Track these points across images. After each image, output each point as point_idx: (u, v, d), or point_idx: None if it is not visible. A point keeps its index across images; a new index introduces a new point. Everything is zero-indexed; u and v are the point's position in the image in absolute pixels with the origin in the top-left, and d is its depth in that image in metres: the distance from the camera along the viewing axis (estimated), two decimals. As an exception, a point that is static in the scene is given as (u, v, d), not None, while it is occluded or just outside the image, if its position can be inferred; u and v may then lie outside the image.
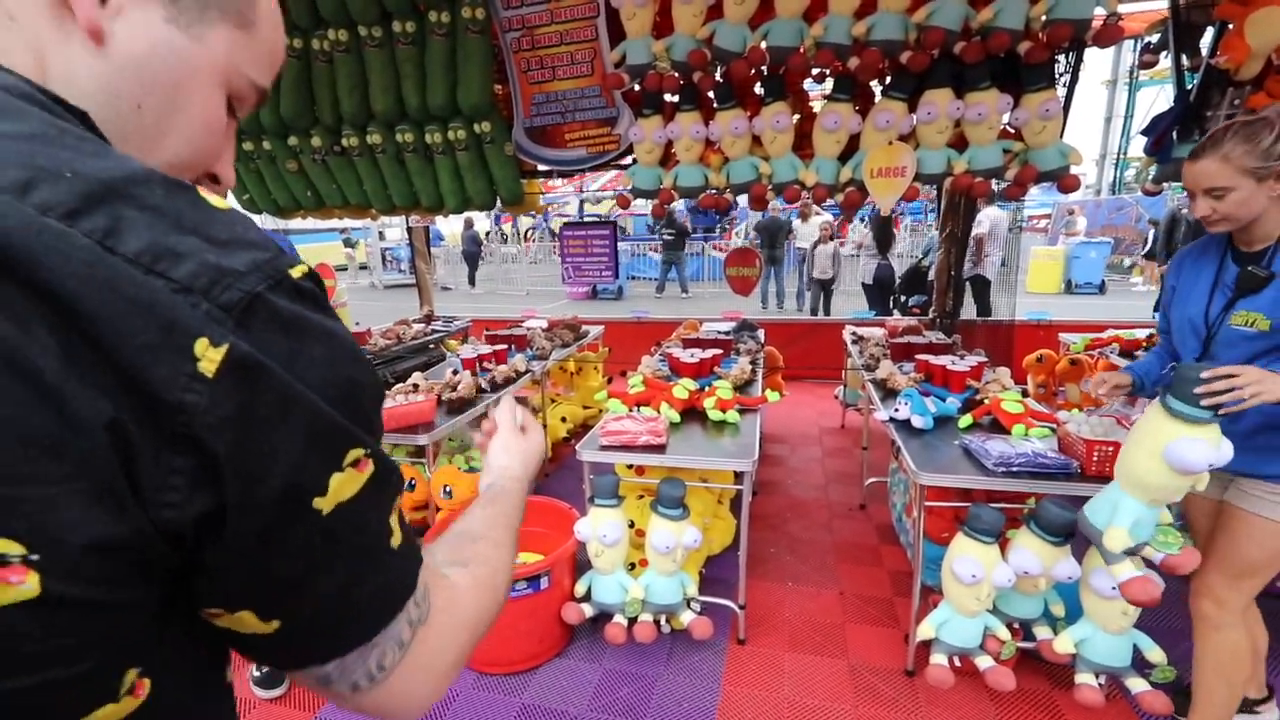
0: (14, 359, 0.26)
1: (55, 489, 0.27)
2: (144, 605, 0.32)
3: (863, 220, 10.49)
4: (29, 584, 0.26)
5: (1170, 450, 1.45)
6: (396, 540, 0.41)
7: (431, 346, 4.15)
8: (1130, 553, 1.59)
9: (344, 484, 0.35)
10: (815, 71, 2.85)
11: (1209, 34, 2.50)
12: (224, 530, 0.32)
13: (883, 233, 7.04)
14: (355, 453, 0.36)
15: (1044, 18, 2.32)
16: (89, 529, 0.28)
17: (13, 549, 0.26)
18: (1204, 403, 1.41)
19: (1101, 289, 10.93)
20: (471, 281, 13.59)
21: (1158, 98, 14.69)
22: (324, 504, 0.34)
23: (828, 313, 8.14)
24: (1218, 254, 1.64)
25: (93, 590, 0.29)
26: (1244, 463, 1.51)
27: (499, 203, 3.47)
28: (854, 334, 3.89)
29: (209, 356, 0.30)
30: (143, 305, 0.29)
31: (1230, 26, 2.31)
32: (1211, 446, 1.42)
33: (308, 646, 0.39)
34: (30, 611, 0.26)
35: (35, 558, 0.26)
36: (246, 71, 0.44)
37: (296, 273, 0.35)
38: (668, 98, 2.88)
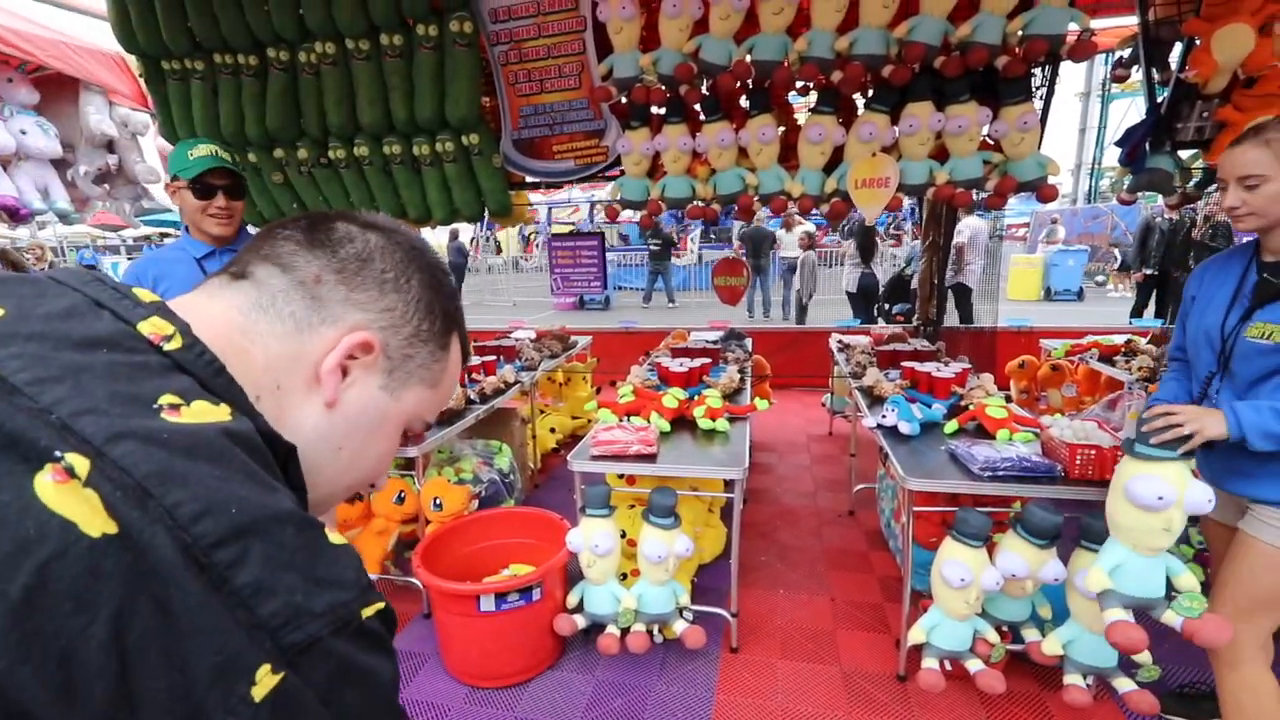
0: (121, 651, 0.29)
1: None
2: None
3: (839, 231, 10.61)
4: None
5: (1127, 487, 1.52)
6: None
7: (419, 358, 4.12)
8: (1138, 608, 1.60)
9: None
10: (799, 85, 2.90)
11: (1178, 49, 2.59)
12: None
13: (866, 242, 7.13)
14: None
15: (1020, 33, 2.38)
16: None
17: None
18: (1152, 440, 1.45)
19: (1080, 296, 11.15)
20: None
21: (1129, 109, 15.12)
22: None
23: (801, 322, 8.20)
24: (1242, 263, 1.55)
25: None
26: (1257, 488, 1.47)
27: (486, 214, 3.47)
28: (840, 342, 3.93)
29: (264, 683, 0.32)
30: (212, 626, 0.32)
31: (1198, 42, 2.38)
32: (1167, 483, 1.46)
33: None
34: None
35: None
36: (425, 417, 0.56)
37: (369, 612, 0.38)
38: (655, 110, 2.91)
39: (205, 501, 0.33)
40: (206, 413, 0.38)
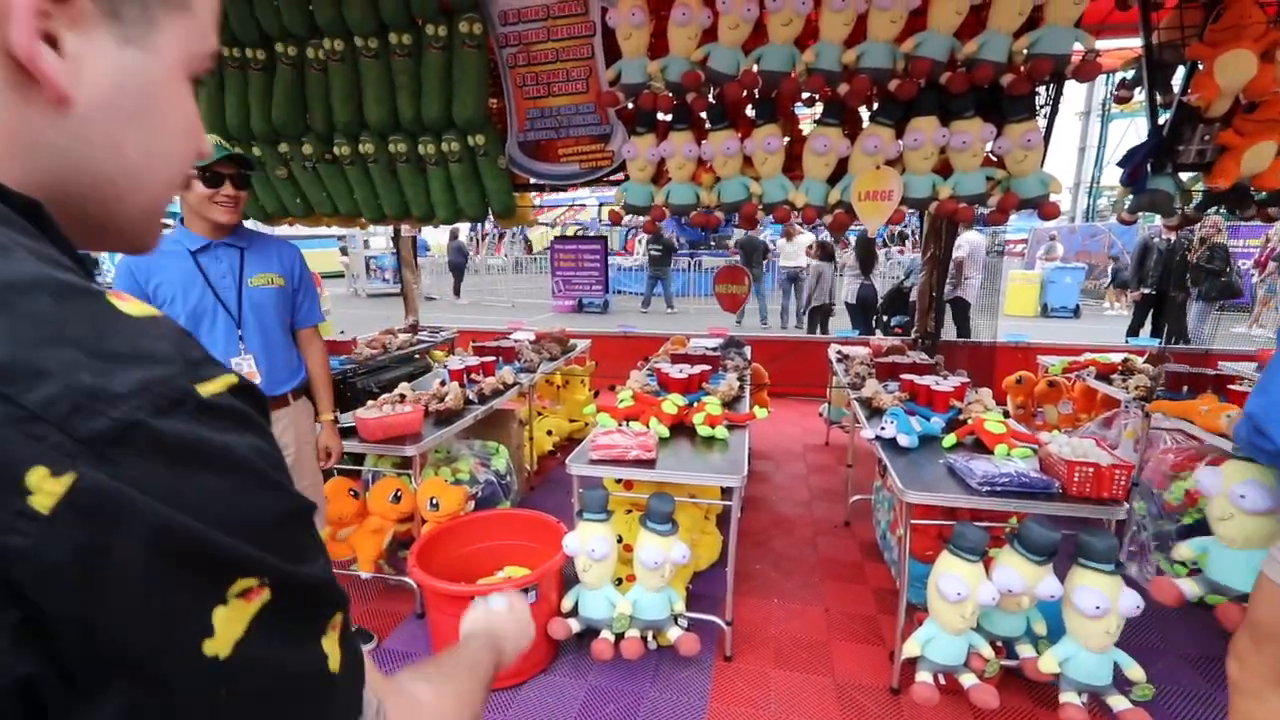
0: None
1: None
2: None
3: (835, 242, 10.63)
4: None
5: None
6: (335, 664, 0.35)
7: (417, 357, 4.12)
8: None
9: (231, 618, 0.29)
10: (806, 96, 2.92)
11: (1181, 72, 2.62)
12: (87, 705, 0.26)
13: (866, 254, 7.17)
14: (241, 583, 0.29)
15: (1026, 51, 2.41)
16: None
17: None
18: None
19: (1076, 313, 11.22)
20: (457, 292, 13.53)
21: (1129, 129, 15.25)
22: (218, 646, 0.28)
23: (824, 331, 8.04)
24: None
25: None
26: None
27: (490, 215, 3.48)
28: (839, 353, 3.94)
29: (44, 489, 0.25)
30: None
31: (1201, 66, 2.42)
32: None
33: None
34: None
35: None
36: (200, 49, 0.40)
37: (211, 388, 0.31)
38: (661, 117, 2.93)
39: None
40: None
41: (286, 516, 0.33)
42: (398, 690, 0.45)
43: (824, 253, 7.83)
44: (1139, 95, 2.86)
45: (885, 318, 7.18)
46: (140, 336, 0.30)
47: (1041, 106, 2.68)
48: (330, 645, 0.34)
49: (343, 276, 15.32)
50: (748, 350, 4.03)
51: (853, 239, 7.80)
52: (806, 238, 8.70)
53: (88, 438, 0.26)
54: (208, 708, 0.28)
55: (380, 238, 14.24)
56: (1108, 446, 2.06)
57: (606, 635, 2.14)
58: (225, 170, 1.81)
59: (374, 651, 2.33)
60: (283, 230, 4.07)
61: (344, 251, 15.42)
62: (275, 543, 0.31)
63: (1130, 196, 2.73)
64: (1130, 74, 2.89)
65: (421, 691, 0.48)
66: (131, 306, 0.31)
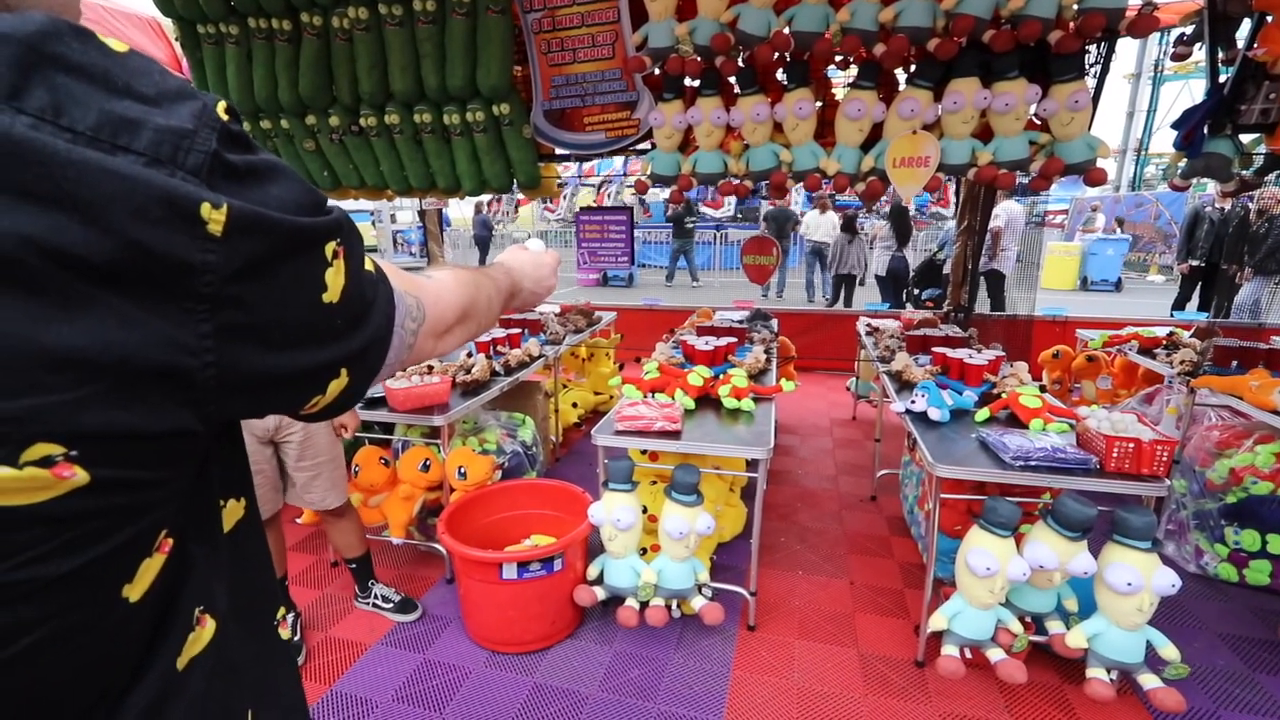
0: (25, 276, 0.26)
1: (90, 392, 0.28)
2: (180, 480, 0.37)
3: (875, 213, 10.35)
4: (79, 475, 0.29)
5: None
6: (372, 268, 0.47)
7: (445, 329, 4.16)
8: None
9: (336, 275, 0.40)
10: (839, 58, 2.81)
11: (1245, 26, 2.44)
12: (273, 354, 0.37)
13: (901, 225, 6.96)
14: (331, 245, 0.40)
15: (1076, 6, 2.27)
16: (121, 422, 0.30)
17: (55, 450, 0.28)
18: None
19: (1118, 286, 10.81)
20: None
21: (1181, 92, 14.46)
22: (332, 294, 0.40)
23: (849, 300, 8.05)
24: None
25: (138, 470, 0.32)
26: None
27: (515, 185, 3.45)
28: (868, 326, 3.87)
29: (214, 218, 0.31)
30: (133, 184, 0.28)
31: (1269, 19, 2.25)
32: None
33: (368, 369, 0.48)
34: (88, 496, 0.29)
35: (75, 453, 0.28)
36: None
37: (224, 115, 0.35)
38: (689, 82, 2.85)
39: None
40: None
41: (311, 185, 0.41)
42: (422, 283, 0.57)
43: (844, 223, 7.73)
44: (1198, 52, 2.69)
45: (916, 291, 7.01)
46: (150, 74, 0.33)
47: (1091, 65, 2.53)
48: (370, 264, 0.47)
49: (376, 250, 15.46)
50: (774, 323, 3.98)
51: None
52: (834, 217, 8.52)
53: (195, 170, 0.32)
54: (335, 330, 0.42)
55: (406, 212, 14.31)
56: (1149, 422, 1.99)
57: (631, 603, 2.17)
58: None
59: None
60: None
61: (374, 225, 15.55)
62: (324, 206, 0.41)
63: (1184, 161, 2.59)
64: (1189, 29, 2.71)
65: (438, 274, 0.62)
66: (115, 42, 0.33)
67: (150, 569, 0.36)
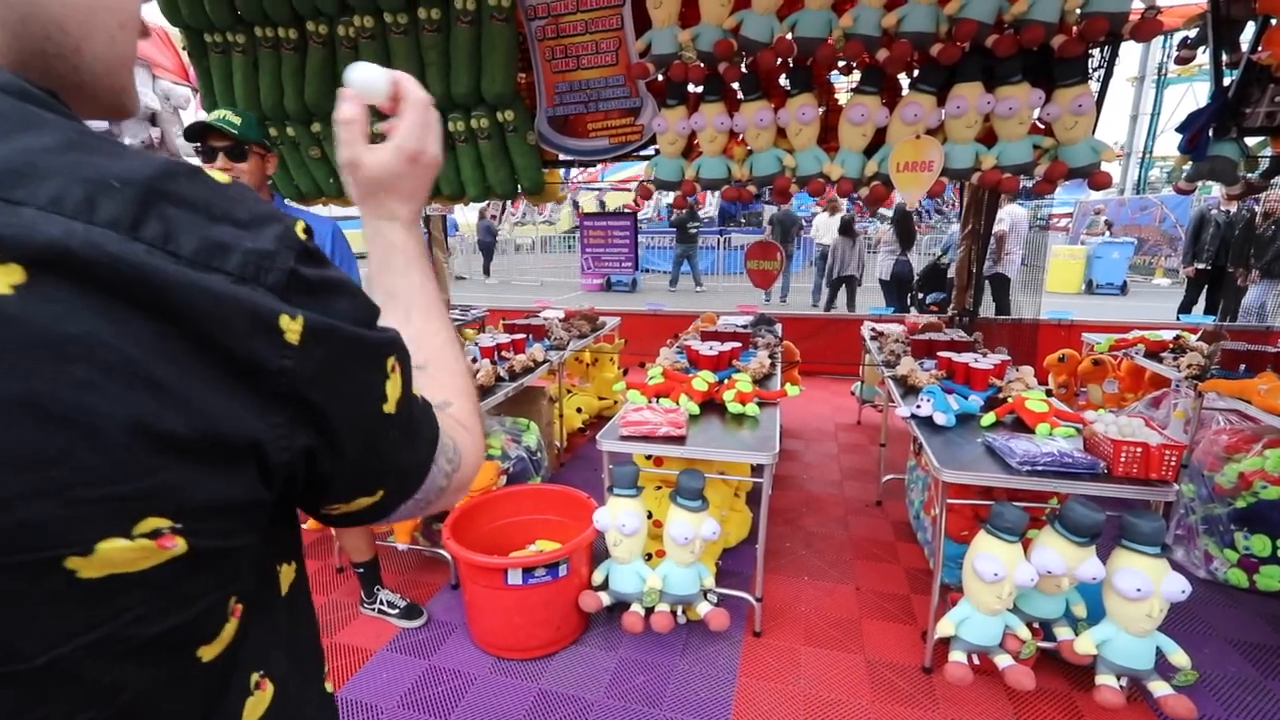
0: (139, 373, 0.30)
1: (191, 471, 0.33)
2: (253, 546, 0.40)
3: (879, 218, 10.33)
4: (179, 545, 0.33)
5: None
6: (421, 398, 0.49)
7: (449, 335, 4.17)
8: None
9: (393, 386, 0.43)
10: (842, 63, 2.82)
11: (1250, 29, 2.44)
12: (332, 456, 0.40)
13: (903, 229, 6.96)
14: (391, 359, 0.43)
15: (1079, 11, 2.27)
16: (219, 496, 0.34)
17: (163, 523, 0.32)
18: None
19: (1123, 290, 10.77)
20: (486, 271, 13.63)
21: (1185, 95, 14.41)
22: (390, 406, 0.43)
23: (849, 303, 8.08)
24: None
25: (225, 540, 0.36)
26: None
27: (519, 192, 3.47)
28: (873, 330, 3.86)
29: (291, 329, 0.35)
30: (226, 300, 0.33)
31: (1274, 22, 2.25)
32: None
33: (403, 493, 0.49)
34: (184, 564, 0.33)
35: (179, 526, 0.33)
36: None
37: (303, 235, 0.39)
38: (692, 88, 2.87)
39: (82, 186, 0.30)
40: None
41: (375, 307, 0.44)
42: (458, 430, 0.55)
43: (843, 227, 7.76)
44: (1202, 55, 2.69)
45: (921, 295, 7.00)
46: (245, 201, 0.37)
47: (1095, 69, 2.53)
48: (417, 391, 0.49)
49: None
50: (779, 328, 3.98)
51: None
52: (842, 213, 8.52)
53: (274, 288, 0.35)
54: (389, 442, 0.44)
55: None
56: (1157, 426, 1.98)
57: (637, 609, 2.16)
58: (217, 144, 1.82)
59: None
60: (319, 211, 4.12)
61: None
62: (378, 324, 0.44)
63: (1189, 164, 2.59)
64: (1193, 32, 2.72)
65: (459, 410, 0.58)
66: (219, 175, 0.37)
67: (228, 633, 0.39)
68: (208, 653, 0.38)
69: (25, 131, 0.31)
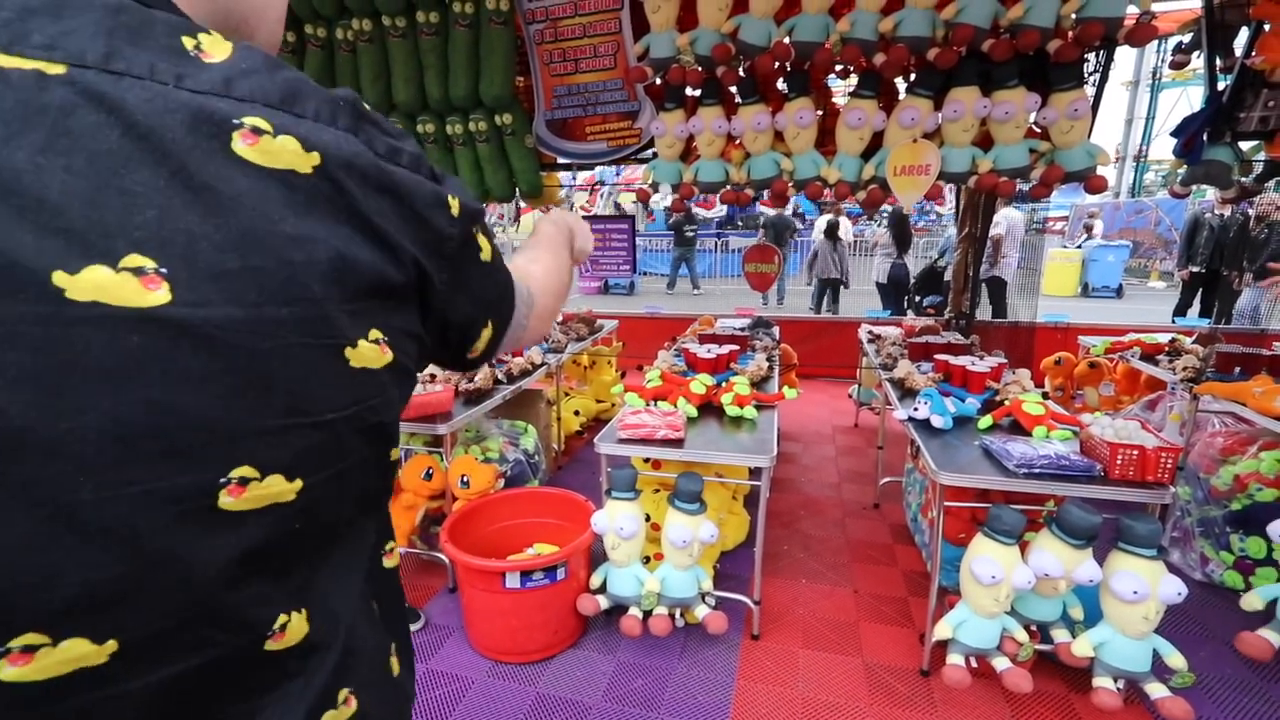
0: (378, 234, 0.43)
1: (394, 304, 0.46)
2: (400, 404, 0.51)
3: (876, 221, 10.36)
4: (389, 354, 0.45)
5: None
6: (496, 254, 0.62)
7: (447, 337, 4.16)
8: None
9: (484, 241, 0.55)
10: (840, 67, 2.83)
11: (1244, 34, 2.46)
12: (460, 290, 0.52)
13: (901, 232, 6.97)
14: (482, 222, 0.55)
15: (1075, 16, 2.29)
16: (405, 324, 0.47)
17: (379, 334, 0.44)
18: None
19: (1119, 293, 10.82)
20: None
21: (1179, 99, 14.50)
22: (486, 256, 0.56)
23: (833, 305, 8.09)
24: None
25: (407, 359, 0.48)
26: None
27: (517, 194, 3.47)
28: (870, 333, 3.87)
29: (454, 205, 0.49)
30: (418, 183, 0.46)
31: (1267, 27, 2.27)
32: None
33: (505, 328, 0.63)
34: (393, 372, 0.46)
35: (388, 339, 0.45)
36: None
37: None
38: (690, 92, 2.88)
39: (327, 102, 0.42)
40: (218, 43, 0.40)
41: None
42: (527, 273, 0.72)
43: (826, 230, 7.79)
44: (1196, 60, 2.71)
45: (917, 298, 7.01)
46: (387, 122, 0.47)
47: (1090, 74, 2.55)
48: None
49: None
50: (776, 330, 3.98)
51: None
52: (845, 223, 8.53)
53: (428, 174, 0.47)
54: (492, 282, 0.59)
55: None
56: (1153, 429, 1.99)
57: (635, 612, 2.16)
58: None
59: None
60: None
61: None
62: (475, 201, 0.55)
63: (1184, 168, 2.60)
64: (1187, 37, 2.73)
65: (534, 269, 0.75)
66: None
67: (396, 456, 0.52)
68: (394, 454, 0.51)
69: (283, 68, 0.41)
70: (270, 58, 0.42)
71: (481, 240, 0.55)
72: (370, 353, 0.43)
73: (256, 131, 0.37)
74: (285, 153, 0.38)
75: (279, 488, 0.40)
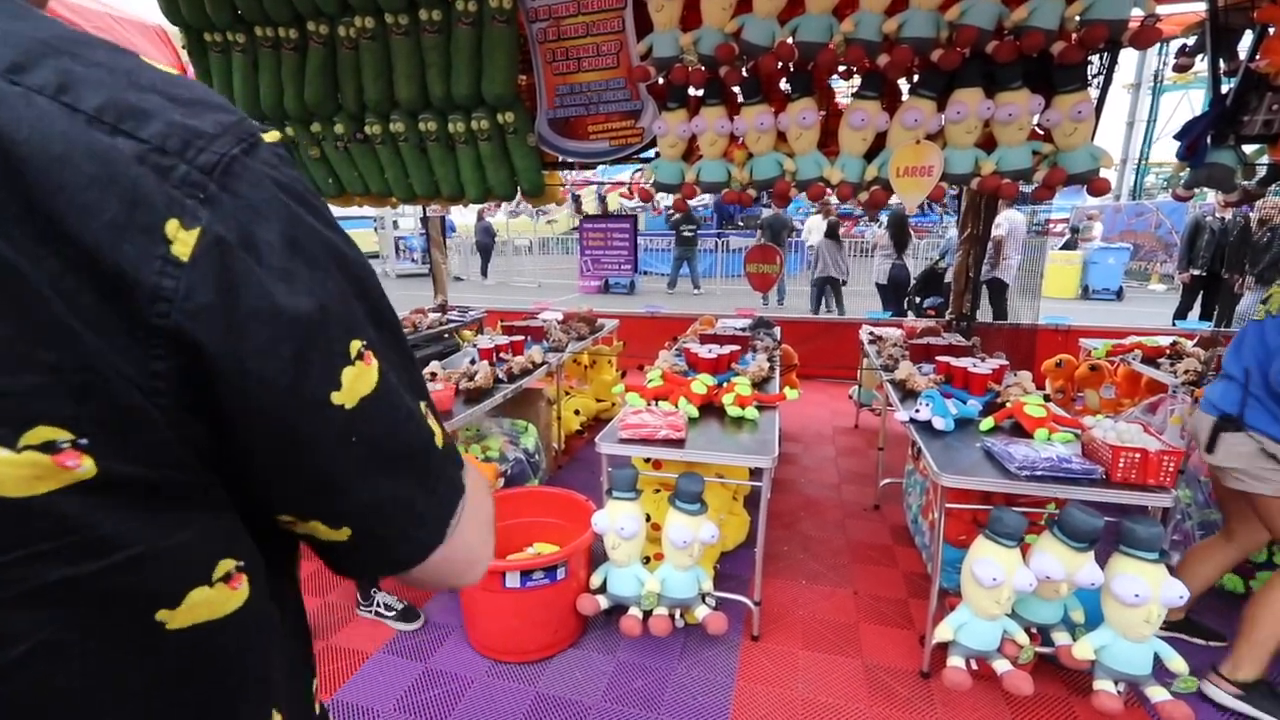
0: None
1: (54, 378, 0.26)
2: (219, 497, 0.33)
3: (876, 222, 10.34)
4: (85, 466, 0.26)
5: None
6: (440, 440, 0.40)
7: (446, 336, 4.17)
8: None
9: (358, 378, 0.33)
10: (843, 68, 2.82)
11: (1248, 37, 2.46)
12: (238, 439, 0.31)
13: (899, 233, 6.98)
14: (355, 344, 0.34)
15: (1079, 18, 2.28)
16: (117, 406, 0.27)
17: (61, 435, 0.26)
18: None
19: (1119, 295, 10.82)
20: (484, 273, 13.62)
21: (1181, 102, 14.51)
22: (344, 398, 0.33)
23: (831, 304, 8.12)
24: None
25: (146, 471, 0.29)
26: None
27: (519, 193, 3.47)
28: (871, 334, 3.87)
29: (180, 239, 0.27)
30: (106, 173, 0.26)
31: (1271, 30, 2.27)
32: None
33: (383, 554, 0.39)
34: (92, 493, 0.27)
35: (84, 442, 0.26)
36: None
37: (269, 138, 0.33)
38: (693, 92, 2.87)
39: None
40: None
41: (370, 270, 0.37)
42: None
43: (828, 230, 7.82)
44: (1199, 63, 2.70)
45: (918, 299, 7.01)
46: (194, 88, 0.31)
47: (1094, 76, 2.54)
48: (432, 423, 0.40)
49: (378, 257, 15.44)
50: (777, 331, 3.98)
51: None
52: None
53: (205, 167, 0.29)
54: (337, 449, 0.34)
55: (409, 219, 14.34)
56: (1154, 432, 1.99)
57: (635, 612, 2.16)
58: None
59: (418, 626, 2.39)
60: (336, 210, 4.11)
61: (376, 231, 15.53)
62: (375, 298, 0.36)
63: (1187, 171, 2.60)
64: (1191, 40, 2.73)
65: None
66: (163, 65, 0.32)
67: (200, 601, 0.32)
68: (174, 620, 0.31)
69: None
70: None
71: (330, 361, 0.33)
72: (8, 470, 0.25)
73: None
74: None
75: None
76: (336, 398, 0.33)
